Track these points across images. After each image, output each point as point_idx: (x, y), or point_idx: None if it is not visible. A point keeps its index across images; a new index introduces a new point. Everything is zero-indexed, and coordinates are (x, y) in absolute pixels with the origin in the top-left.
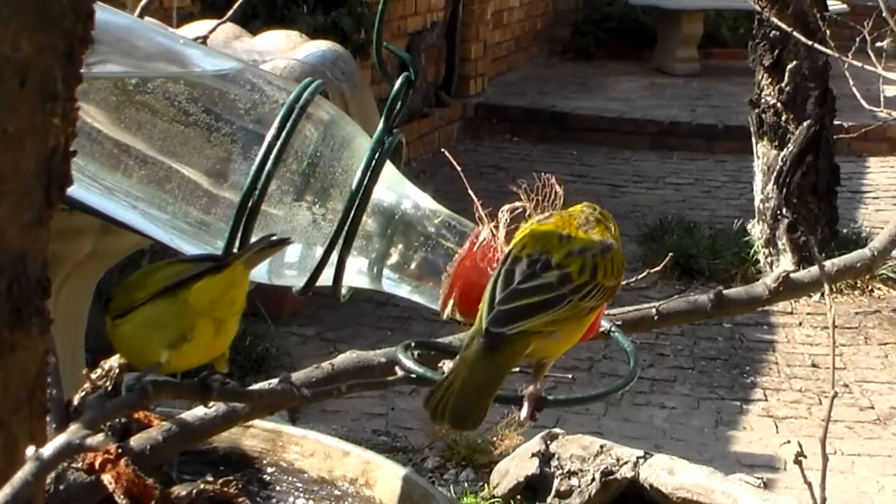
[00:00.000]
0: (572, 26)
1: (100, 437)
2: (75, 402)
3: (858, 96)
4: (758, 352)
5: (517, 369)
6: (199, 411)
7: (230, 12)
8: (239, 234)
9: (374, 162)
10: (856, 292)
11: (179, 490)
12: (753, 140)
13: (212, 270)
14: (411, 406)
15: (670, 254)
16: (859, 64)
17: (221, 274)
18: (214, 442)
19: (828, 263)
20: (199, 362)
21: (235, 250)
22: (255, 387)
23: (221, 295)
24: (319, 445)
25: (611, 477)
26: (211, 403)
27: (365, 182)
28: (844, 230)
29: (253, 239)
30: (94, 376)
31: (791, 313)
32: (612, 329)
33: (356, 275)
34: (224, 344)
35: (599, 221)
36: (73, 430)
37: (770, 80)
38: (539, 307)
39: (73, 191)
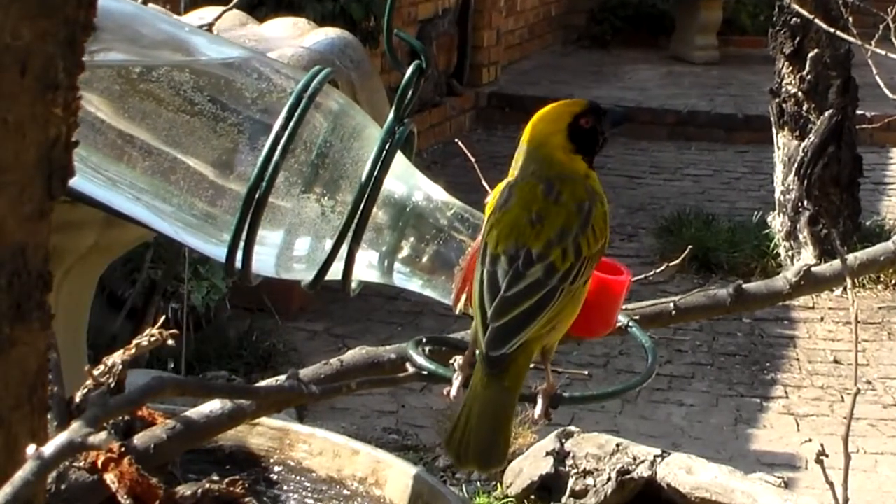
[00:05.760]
0: (588, 13)
1: (102, 435)
2: (77, 399)
3: (882, 85)
4: (778, 348)
5: (530, 365)
6: (204, 409)
7: None
8: (245, 227)
9: (384, 152)
10: (879, 286)
11: (184, 490)
12: (774, 130)
13: None
14: (422, 403)
15: (689, 247)
16: (882, 52)
17: None
18: (220, 440)
19: (850, 257)
20: None
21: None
22: (262, 384)
23: None
24: (328, 444)
25: (627, 476)
26: (217, 401)
27: (375, 173)
28: (867, 223)
29: (261, 232)
30: (96, 373)
31: (812, 308)
32: (630, 324)
33: (366, 268)
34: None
35: (562, 179)
36: (75, 429)
37: (791, 68)
38: (533, 312)
39: (76, 182)
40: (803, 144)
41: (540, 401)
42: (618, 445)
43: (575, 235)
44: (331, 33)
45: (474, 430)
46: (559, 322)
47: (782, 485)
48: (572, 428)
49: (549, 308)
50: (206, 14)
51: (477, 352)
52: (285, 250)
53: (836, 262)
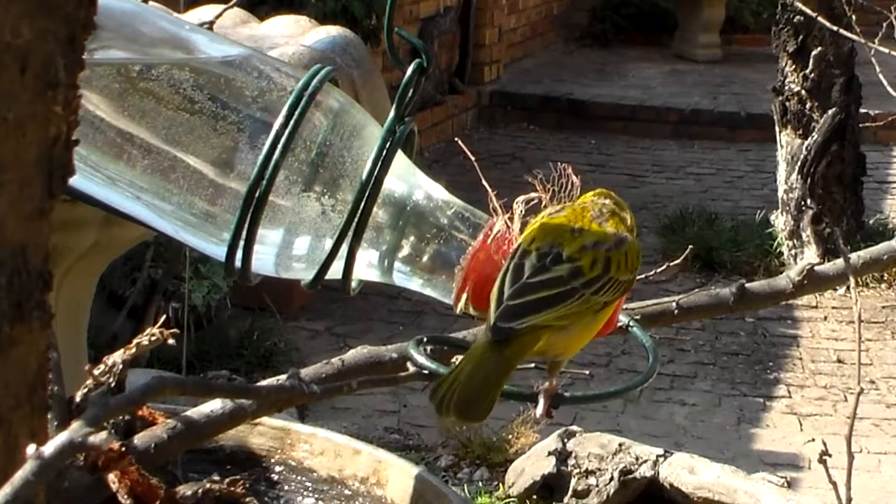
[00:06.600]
0: (590, 12)
1: (103, 435)
2: (77, 398)
3: (885, 83)
4: (781, 347)
5: (532, 365)
6: (205, 408)
7: None
8: (245, 226)
9: (385, 151)
10: (882, 286)
11: (185, 489)
12: (777, 129)
13: None
14: (424, 403)
15: (691, 246)
16: (886, 50)
17: None
18: (221, 440)
19: (853, 256)
20: None
21: (242, 242)
22: (263, 383)
23: None
24: (329, 444)
25: (630, 476)
26: (218, 400)
27: (376, 172)
28: (870, 221)
29: (260, 231)
30: (96, 372)
31: (815, 307)
32: (631, 324)
33: (366, 268)
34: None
35: (614, 213)
36: (76, 428)
37: (794, 66)
38: (550, 301)
39: (76, 181)
40: (806, 143)
41: (541, 400)
42: (620, 445)
43: (608, 248)
44: (332, 31)
45: (462, 385)
46: (572, 329)
47: (785, 485)
48: (574, 427)
49: (565, 304)
50: (206, 12)
51: (482, 329)
52: (285, 249)
53: (840, 261)
